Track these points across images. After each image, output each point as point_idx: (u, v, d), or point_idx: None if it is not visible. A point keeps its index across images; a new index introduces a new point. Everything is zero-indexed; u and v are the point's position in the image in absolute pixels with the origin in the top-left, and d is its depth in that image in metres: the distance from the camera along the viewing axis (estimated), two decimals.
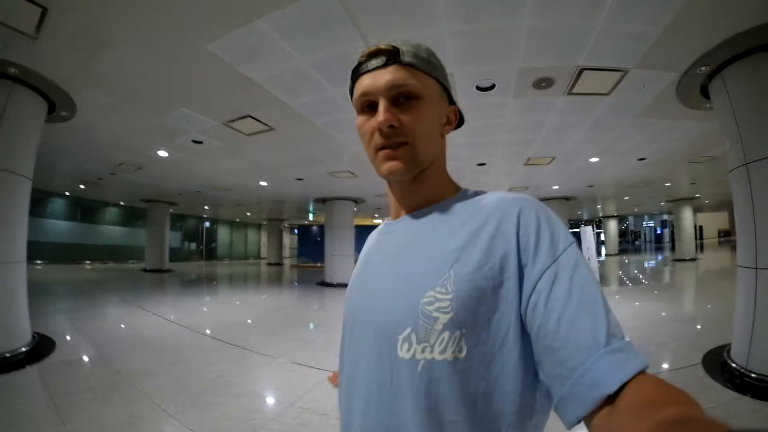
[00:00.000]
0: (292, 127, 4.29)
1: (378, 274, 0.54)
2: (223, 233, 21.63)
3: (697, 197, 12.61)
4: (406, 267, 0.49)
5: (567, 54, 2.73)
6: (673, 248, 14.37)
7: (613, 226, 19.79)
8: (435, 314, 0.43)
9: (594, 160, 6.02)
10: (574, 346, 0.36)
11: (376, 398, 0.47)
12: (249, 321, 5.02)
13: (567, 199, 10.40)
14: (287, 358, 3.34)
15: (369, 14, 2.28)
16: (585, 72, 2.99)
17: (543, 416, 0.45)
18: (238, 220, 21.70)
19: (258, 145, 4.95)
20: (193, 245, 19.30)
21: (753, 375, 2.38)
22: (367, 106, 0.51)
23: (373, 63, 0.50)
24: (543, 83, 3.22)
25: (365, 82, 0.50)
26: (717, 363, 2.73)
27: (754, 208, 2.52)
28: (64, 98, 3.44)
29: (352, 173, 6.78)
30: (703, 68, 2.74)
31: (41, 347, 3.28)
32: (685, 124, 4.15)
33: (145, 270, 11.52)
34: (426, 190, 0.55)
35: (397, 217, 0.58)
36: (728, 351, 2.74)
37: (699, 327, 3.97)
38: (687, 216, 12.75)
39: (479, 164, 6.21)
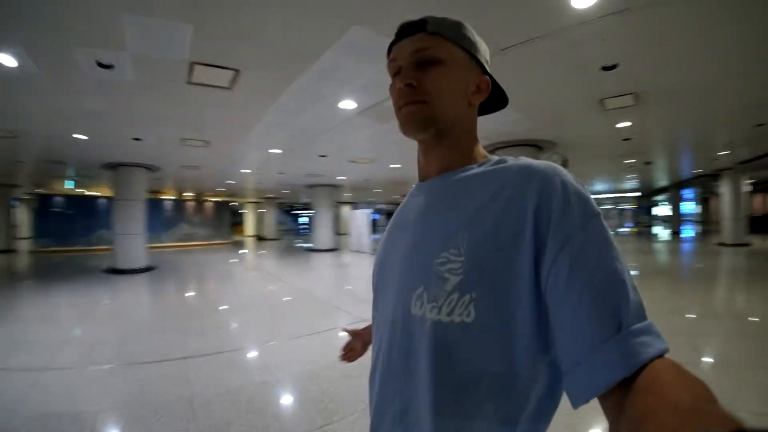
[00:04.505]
0: (248, 92, 4.00)
1: (402, 235, 0.56)
2: None
3: None
4: (426, 227, 0.51)
5: None
6: None
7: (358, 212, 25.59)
8: (446, 275, 0.44)
9: (395, 166, 8.88)
10: (593, 328, 0.36)
11: (393, 352, 0.51)
12: (134, 326, 3.94)
13: (335, 186, 13.14)
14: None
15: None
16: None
17: (555, 389, 0.45)
18: None
19: (175, 97, 4.08)
20: None
21: None
22: (396, 72, 0.54)
23: (403, 33, 0.54)
24: None
25: (395, 50, 0.54)
26: None
27: None
28: None
29: (206, 142, 6.26)
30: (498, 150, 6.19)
31: None
32: None
33: None
34: (449, 153, 0.55)
35: (424, 179, 0.59)
36: None
37: None
38: None
39: (320, 156, 7.59)
